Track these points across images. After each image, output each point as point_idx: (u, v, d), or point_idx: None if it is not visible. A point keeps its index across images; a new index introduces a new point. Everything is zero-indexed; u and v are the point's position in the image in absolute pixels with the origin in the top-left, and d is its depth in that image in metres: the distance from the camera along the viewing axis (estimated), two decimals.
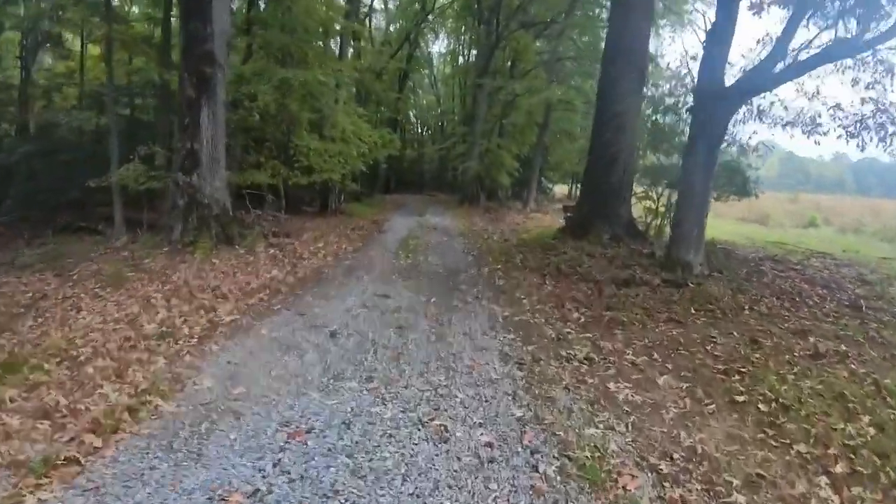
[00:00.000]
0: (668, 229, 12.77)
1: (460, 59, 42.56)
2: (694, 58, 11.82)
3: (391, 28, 38.44)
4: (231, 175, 15.01)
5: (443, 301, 7.31)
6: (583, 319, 6.61)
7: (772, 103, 9.73)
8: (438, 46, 49.87)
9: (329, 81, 13.35)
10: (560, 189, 37.47)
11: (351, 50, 31.18)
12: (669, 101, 12.21)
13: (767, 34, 9.03)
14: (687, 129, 10.43)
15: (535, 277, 8.79)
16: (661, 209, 12.43)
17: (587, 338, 5.87)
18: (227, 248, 10.97)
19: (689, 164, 8.90)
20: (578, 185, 36.80)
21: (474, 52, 38.14)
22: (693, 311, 6.84)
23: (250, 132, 16.71)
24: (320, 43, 17.92)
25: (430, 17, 35.21)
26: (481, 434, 3.64)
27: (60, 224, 14.32)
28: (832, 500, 3.03)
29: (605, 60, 12.56)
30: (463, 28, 40.15)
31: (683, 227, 8.75)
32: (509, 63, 28.56)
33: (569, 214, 16.17)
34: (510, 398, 4.27)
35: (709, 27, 9.02)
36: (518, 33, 25.45)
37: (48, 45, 19.49)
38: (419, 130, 54.16)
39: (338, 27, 18.79)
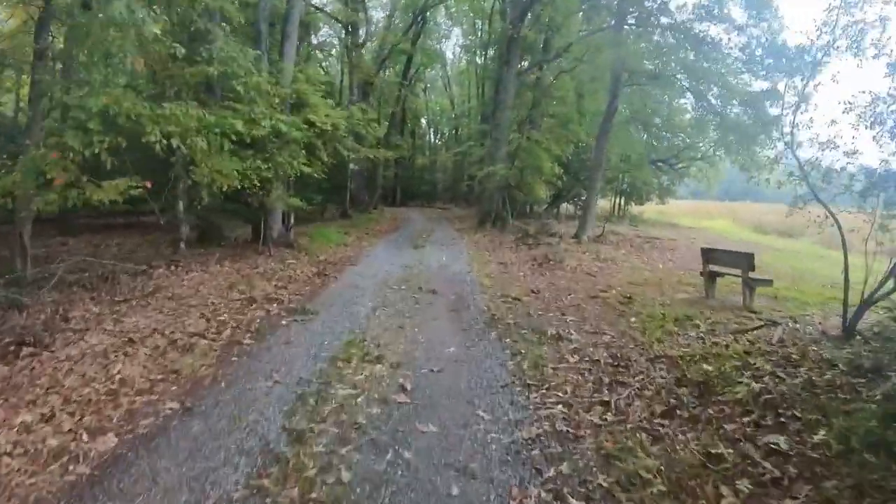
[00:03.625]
0: None
1: (478, 59, 33.44)
2: None
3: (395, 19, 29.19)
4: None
5: None
6: None
7: None
8: (452, 44, 40.84)
9: None
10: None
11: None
12: None
13: None
14: None
15: None
16: None
17: None
18: None
19: None
20: (622, 199, 27.26)
21: (491, 51, 29.11)
22: None
23: None
24: None
25: None
26: None
27: None
28: None
29: None
30: (478, 23, 31.17)
31: None
32: (542, 41, 19.20)
33: None
34: None
35: None
36: None
37: None
38: (432, 138, 45.02)
39: None
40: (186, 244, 11.25)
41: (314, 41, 26.70)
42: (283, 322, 5.53)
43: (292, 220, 11.11)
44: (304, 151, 8.67)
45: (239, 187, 7.58)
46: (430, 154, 40.47)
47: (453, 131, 40.72)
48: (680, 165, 23.33)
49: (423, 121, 41.58)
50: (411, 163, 36.46)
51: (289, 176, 8.42)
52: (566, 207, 23.65)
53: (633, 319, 6.08)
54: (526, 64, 18.57)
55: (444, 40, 37.29)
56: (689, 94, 14.61)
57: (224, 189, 6.79)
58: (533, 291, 7.36)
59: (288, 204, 9.15)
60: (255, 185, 8.09)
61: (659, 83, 12.93)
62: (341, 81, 28.01)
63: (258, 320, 5.60)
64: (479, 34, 31.90)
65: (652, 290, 7.80)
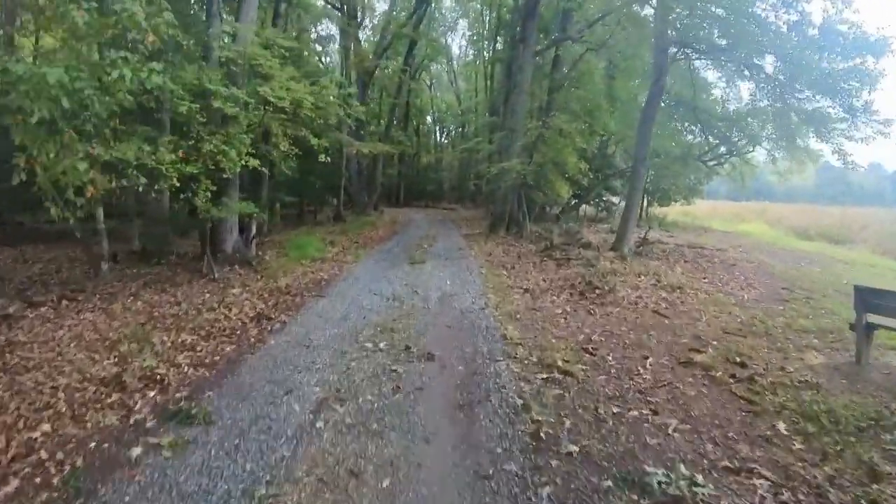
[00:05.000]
0: None
1: (486, 53, 30.48)
2: None
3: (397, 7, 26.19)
4: None
5: None
6: None
7: None
8: (458, 36, 38.01)
9: None
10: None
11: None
12: None
13: None
14: None
15: None
16: None
17: None
18: None
19: None
20: (645, 200, 24.22)
21: (500, 41, 26.13)
22: None
23: None
24: None
25: None
26: None
27: None
28: None
29: None
30: (486, 11, 28.16)
31: None
32: (560, 18, 16.14)
33: None
34: None
35: None
36: None
37: None
38: (438, 136, 42.00)
39: None
40: (119, 261, 8.61)
41: (314, 34, 24.06)
42: (135, 451, 2.76)
43: (254, 230, 8.36)
44: (249, 137, 5.89)
45: (139, 188, 4.82)
46: (436, 152, 37.64)
47: (459, 129, 37.88)
48: (712, 162, 20.36)
49: (429, 118, 38.77)
50: (416, 161, 33.73)
51: (223, 171, 5.66)
52: (584, 209, 20.72)
53: (782, 426, 3.28)
54: (541, 48, 15.67)
55: (449, 33, 34.47)
56: (745, 74, 11.62)
57: (88, 195, 4.02)
58: (587, 351, 4.54)
59: (231, 210, 6.38)
60: (172, 186, 5.34)
61: (718, 56, 9.96)
62: (342, 74, 25.30)
63: (93, 445, 2.86)
64: (487, 23, 29.02)
65: (764, 345, 4.96)
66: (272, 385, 3.61)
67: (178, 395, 3.53)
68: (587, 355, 4.44)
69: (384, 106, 25.49)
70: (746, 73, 10.91)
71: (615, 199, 19.95)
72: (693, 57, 10.47)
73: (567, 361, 4.18)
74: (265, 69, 6.34)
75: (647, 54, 11.68)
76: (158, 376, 3.79)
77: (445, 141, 40.96)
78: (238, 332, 4.78)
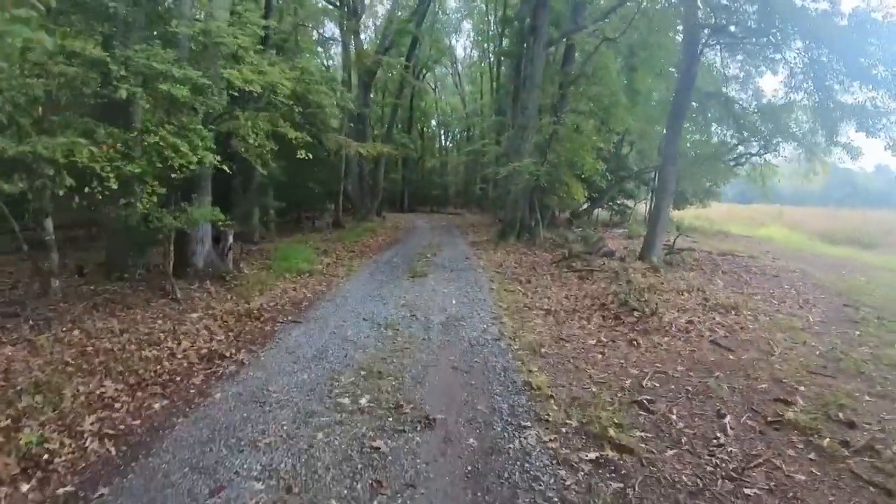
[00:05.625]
0: None
1: (490, 55, 29.38)
2: None
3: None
4: None
5: None
6: None
7: None
8: (463, 38, 37.01)
9: None
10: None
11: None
12: None
13: None
14: None
15: None
16: None
17: None
18: None
19: None
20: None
21: (505, 41, 25.04)
22: None
23: None
24: None
25: None
26: None
27: None
28: None
29: None
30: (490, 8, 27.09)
31: None
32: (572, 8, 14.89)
33: None
34: None
35: None
36: None
37: None
38: (443, 140, 40.82)
39: None
40: (86, 275, 7.50)
41: (315, 35, 23.07)
42: None
43: (230, 240, 7.22)
44: (209, 129, 4.76)
45: (58, 192, 3.70)
46: (441, 156, 36.53)
47: (465, 132, 36.76)
48: (731, 163, 19.12)
49: (433, 122, 37.66)
50: (420, 165, 32.62)
51: (175, 170, 4.51)
52: (597, 213, 19.47)
53: None
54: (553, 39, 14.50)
55: (454, 34, 33.42)
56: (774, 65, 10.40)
57: None
58: (642, 406, 3.32)
59: (192, 218, 5.23)
60: (106, 188, 4.21)
61: (750, 40, 8.72)
62: (344, 75, 24.26)
63: None
64: (492, 23, 27.93)
65: (863, 389, 3.74)
66: (196, 475, 2.44)
67: (60, 489, 2.37)
68: (643, 413, 3.23)
69: (386, 108, 24.45)
70: (775, 61, 9.70)
71: (629, 203, 18.72)
72: (724, 42, 9.24)
73: (619, 427, 2.98)
74: (231, 48, 5.22)
75: (670, 43, 10.50)
76: (45, 456, 2.64)
77: (450, 144, 39.83)
78: (178, 378, 3.61)
